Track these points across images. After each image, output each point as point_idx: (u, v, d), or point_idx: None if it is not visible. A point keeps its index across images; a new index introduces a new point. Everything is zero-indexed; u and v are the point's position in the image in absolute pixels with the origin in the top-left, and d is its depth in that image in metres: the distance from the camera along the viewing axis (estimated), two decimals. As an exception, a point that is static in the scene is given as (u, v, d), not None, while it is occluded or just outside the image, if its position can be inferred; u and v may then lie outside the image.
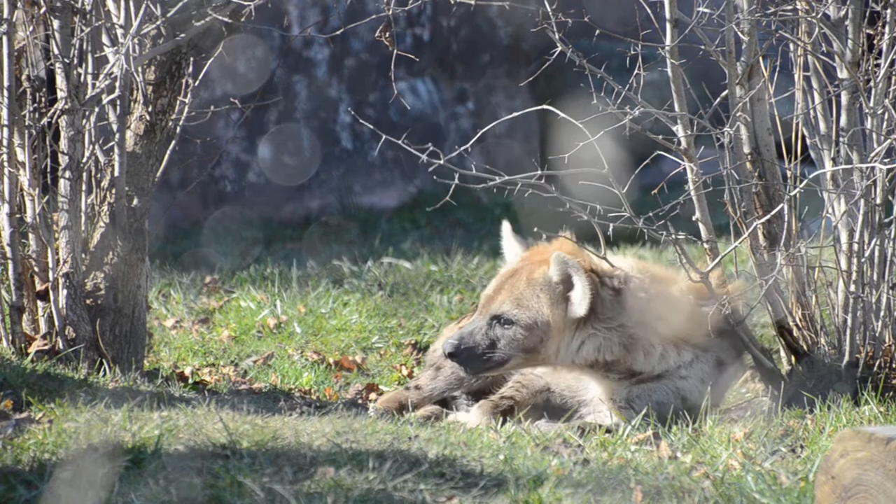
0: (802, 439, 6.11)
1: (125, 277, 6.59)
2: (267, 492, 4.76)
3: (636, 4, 6.48)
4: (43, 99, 6.54)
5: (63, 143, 6.51)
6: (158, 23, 6.43)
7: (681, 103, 6.50)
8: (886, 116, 6.53)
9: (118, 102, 6.50)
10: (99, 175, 6.59)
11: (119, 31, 6.50)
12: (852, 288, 6.57)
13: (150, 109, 6.57)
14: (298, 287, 9.84)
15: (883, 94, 6.52)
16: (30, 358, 6.44)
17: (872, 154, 6.50)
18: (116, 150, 6.52)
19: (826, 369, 6.64)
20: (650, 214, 6.43)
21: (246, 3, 6.46)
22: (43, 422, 5.40)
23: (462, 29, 15.01)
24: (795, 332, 6.70)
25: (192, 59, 6.60)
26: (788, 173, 6.66)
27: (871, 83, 6.53)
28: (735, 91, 6.60)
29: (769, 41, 6.65)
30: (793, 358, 6.73)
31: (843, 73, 6.59)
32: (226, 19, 6.45)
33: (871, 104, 6.52)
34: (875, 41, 6.56)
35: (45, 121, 6.52)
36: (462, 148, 6.48)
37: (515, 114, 7.10)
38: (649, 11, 6.41)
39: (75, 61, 6.46)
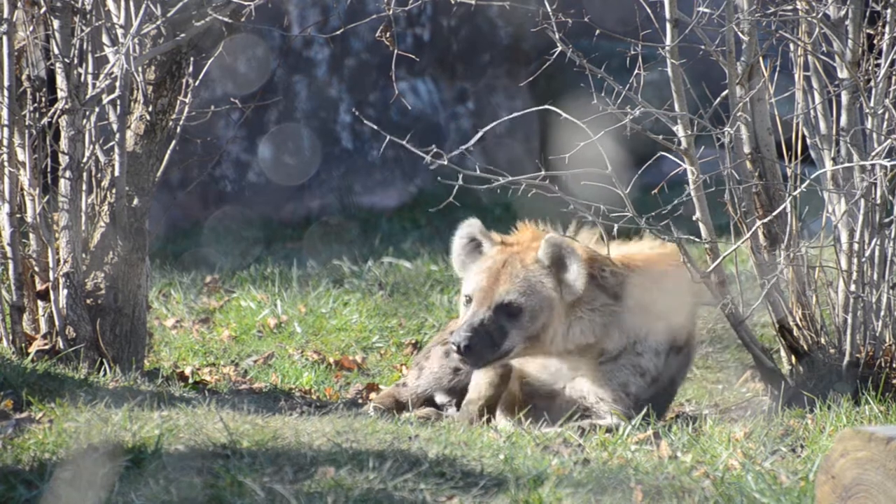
0: (803, 439, 6.11)
1: (125, 277, 6.59)
2: (267, 491, 4.76)
3: (636, 4, 6.48)
4: (43, 99, 6.54)
5: (63, 143, 6.51)
6: (158, 23, 6.43)
7: (681, 103, 6.51)
8: (887, 116, 6.53)
9: (118, 102, 6.50)
10: (99, 175, 6.60)
11: (119, 31, 6.50)
12: (853, 287, 6.57)
13: (150, 109, 6.57)
14: (299, 287, 9.84)
15: (883, 93, 6.52)
16: (30, 357, 6.44)
17: (873, 154, 6.50)
18: (117, 149, 6.52)
19: (826, 369, 6.64)
20: (653, 214, 6.43)
21: (246, 3, 6.46)
22: (43, 421, 5.40)
23: (462, 29, 15.01)
24: (796, 332, 6.70)
25: (192, 58, 6.60)
26: (789, 172, 6.66)
27: (872, 83, 6.53)
28: (735, 91, 6.60)
29: (769, 41, 6.66)
30: (793, 357, 6.73)
31: (843, 73, 6.59)
32: (226, 19, 6.45)
33: (872, 104, 6.52)
34: (875, 41, 6.56)
35: (45, 120, 6.52)
36: (464, 147, 6.47)
37: (516, 114, 7.11)
38: (649, 11, 6.41)
39: (75, 61, 6.46)
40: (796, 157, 6.67)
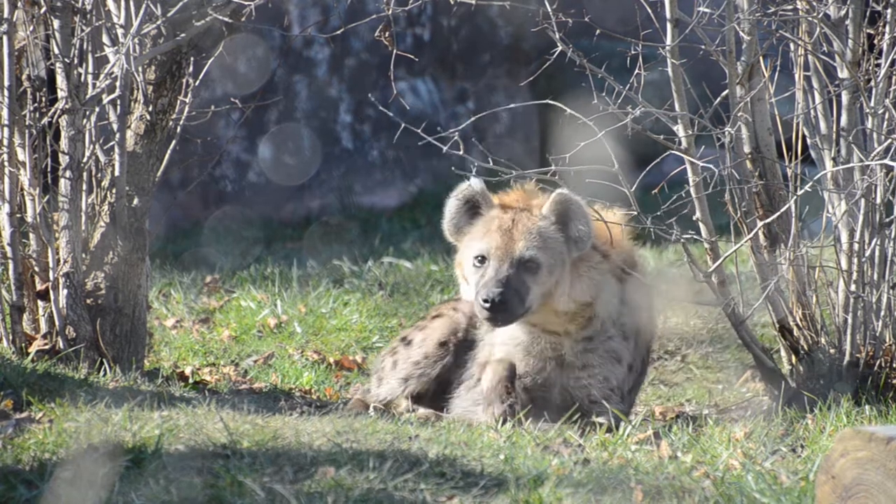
0: (803, 439, 6.11)
1: (125, 277, 6.59)
2: (267, 491, 4.76)
3: (636, 4, 6.48)
4: (43, 99, 6.54)
5: (63, 143, 6.51)
6: (159, 22, 6.43)
7: (681, 103, 6.50)
8: (887, 116, 6.52)
9: (118, 102, 6.50)
10: (99, 175, 6.59)
11: (119, 31, 6.50)
12: (853, 287, 6.57)
13: (150, 109, 6.57)
14: (299, 287, 9.84)
15: (883, 93, 6.52)
16: (30, 357, 6.44)
17: (873, 154, 6.50)
18: (117, 149, 6.52)
19: (826, 369, 6.64)
20: (659, 213, 6.43)
21: (246, 3, 6.46)
22: (43, 421, 5.40)
23: (462, 29, 15.01)
24: (796, 332, 6.70)
25: (192, 58, 6.60)
26: (789, 172, 6.66)
27: (872, 83, 6.53)
28: (735, 91, 6.60)
29: (769, 41, 6.65)
30: (793, 357, 6.73)
31: (843, 73, 6.59)
32: (226, 19, 6.44)
33: (872, 104, 6.52)
34: (875, 41, 6.56)
35: (45, 120, 6.52)
36: (458, 128, 6.47)
37: (513, 105, 7.10)
38: (650, 11, 6.41)
39: (76, 61, 6.46)
40: (796, 157, 6.67)
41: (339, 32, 7.13)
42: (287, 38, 13.84)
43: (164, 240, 12.67)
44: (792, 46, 6.67)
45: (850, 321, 6.59)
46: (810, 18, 6.54)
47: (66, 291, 6.50)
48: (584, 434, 6.15)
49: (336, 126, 14.48)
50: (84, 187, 6.57)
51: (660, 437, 6.03)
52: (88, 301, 6.55)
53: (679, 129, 6.52)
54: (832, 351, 6.65)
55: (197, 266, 10.88)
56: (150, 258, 6.74)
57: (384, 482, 4.89)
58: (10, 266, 6.53)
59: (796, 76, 6.69)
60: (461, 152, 6.42)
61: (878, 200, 6.54)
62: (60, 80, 6.46)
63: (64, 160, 6.48)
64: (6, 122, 6.48)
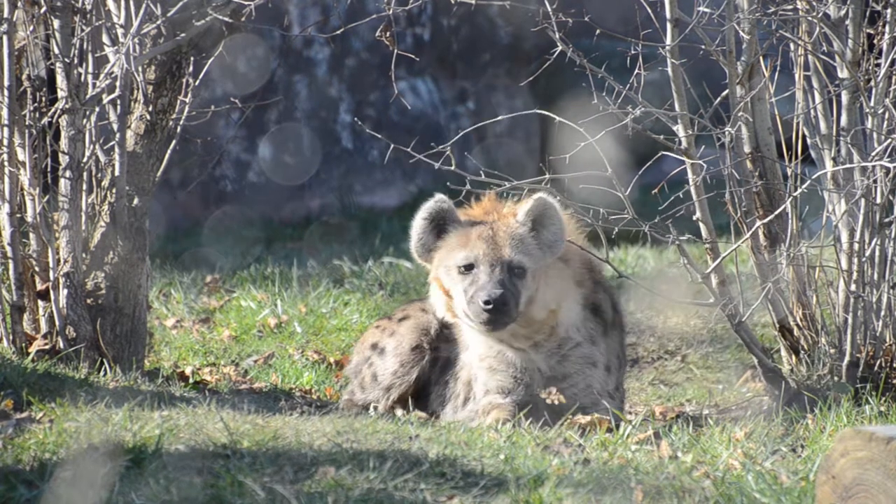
0: (803, 439, 6.11)
1: (126, 277, 6.59)
2: (268, 491, 4.76)
3: (636, 4, 6.48)
4: (43, 98, 6.54)
5: (63, 143, 6.51)
6: (159, 22, 6.43)
7: (681, 103, 6.50)
8: (887, 116, 6.53)
9: (118, 102, 6.50)
10: (99, 174, 6.60)
11: (119, 31, 6.50)
12: (853, 287, 6.57)
13: (150, 109, 6.57)
14: (299, 287, 9.84)
15: (883, 93, 6.52)
16: (30, 357, 6.44)
17: (873, 153, 6.50)
18: (117, 149, 6.52)
19: (827, 369, 6.64)
20: (657, 220, 6.43)
21: (246, 3, 6.46)
22: (44, 421, 5.40)
23: (462, 28, 15.01)
24: (796, 332, 6.70)
25: (192, 58, 6.60)
26: (789, 172, 6.66)
27: (872, 83, 6.53)
28: (735, 90, 6.60)
29: (769, 41, 6.65)
30: (793, 357, 6.73)
31: (843, 73, 6.59)
32: (226, 19, 6.45)
33: (872, 104, 6.52)
34: (875, 41, 6.56)
35: (45, 120, 6.52)
36: (452, 140, 6.46)
37: (513, 114, 7.10)
38: (650, 11, 6.41)
39: (76, 61, 6.46)
40: (796, 157, 6.67)
41: (339, 32, 7.13)
42: (287, 38, 13.84)
43: (164, 240, 12.67)
44: (792, 46, 6.67)
45: (850, 321, 6.59)
46: (810, 18, 6.54)
47: (66, 291, 6.50)
48: (584, 434, 6.15)
49: (336, 126, 14.49)
50: (84, 187, 6.57)
51: (660, 437, 6.03)
52: (89, 301, 6.56)
53: (679, 129, 6.52)
54: (832, 351, 6.65)
55: (197, 266, 10.88)
56: (150, 258, 6.74)
57: (384, 482, 4.89)
58: (11, 266, 6.53)
59: (796, 76, 6.69)
60: (453, 167, 6.40)
61: (878, 200, 6.54)
62: (60, 80, 6.46)
63: (64, 160, 6.48)
64: (6, 122, 6.48)
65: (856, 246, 6.54)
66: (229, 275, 10.44)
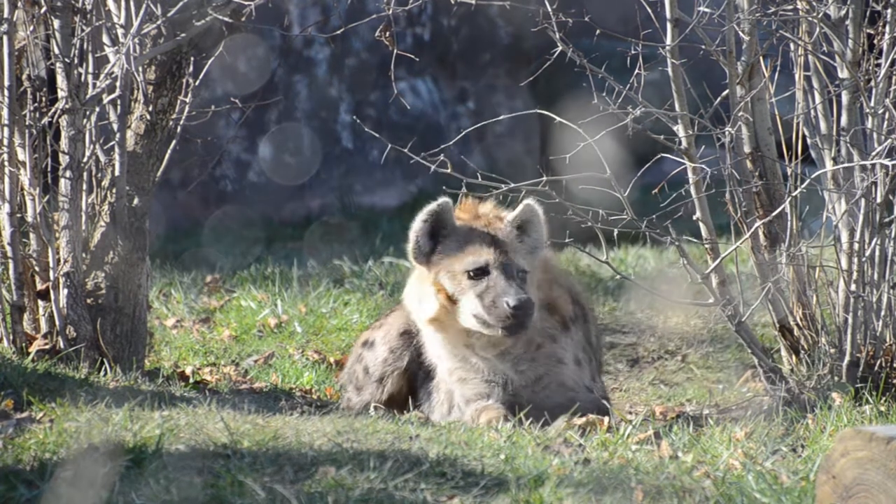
0: (803, 439, 6.11)
1: (126, 277, 6.60)
2: (268, 491, 4.76)
3: (637, 4, 6.48)
4: (43, 98, 6.54)
5: (63, 143, 6.51)
6: (159, 22, 6.43)
7: (681, 103, 6.50)
8: (887, 116, 6.53)
9: (119, 102, 6.50)
10: (99, 174, 6.60)
11: (119, 31, 6.51)
12: (853, 287, 6.57)
13: (150, 109, 6.57)
14: (299, 286, 9.84)
15: (883, 93, 6.52)
16: (31, 357, 6.44)
17: (873, 153, 6.50)
18: (117, 149, 6.52)
19: (827, 369, 6.64)
20: (653, 218, 6.42)
21: (246, 3, 6.46)
22: (44, 421, 5.40)
23: (462, 28, 15.01)
24: (796, 332, 6.70)
25: (192, 58, 6.60)
26: (789, 172, 6.66)
27: (872, 83, 6.53)
28: (736, 91, 6.60)
29: (770, 41, 6.65)
30: (793, 357, 6.73)
31: (843, 73, 6.59)
32: (226, 19, 6.45)
33: (872, 104, 6.52)
34: (876, 41, 6.56)
35: (45, 120, 6.52)
36: (450, 143, 6.47)
37: (513, 114, 7.10)
38: (650, 11, 6.41)
39: (76, 61, 6.46)
40: (796, 157, 6.67)
41: (339, 32, 7.13)
42: (287, 38, 13.85)
43: (165, 239, 12.67)
44: (792, 46, 6.67)
45: (850, 321, 6.59)
46: (810, 18, 6.54)
47: (66, 291, 6.50)
48: (584, 434, 6.15)
49: (336, 126, 14.49)
50: (84, 187, 6.57)
51: (660, 436, 6.04)
52: (89, 301, 6.56)
53: (679, 129, 6.52)
54: (832, 351, 6.65)
55: (197, 266, 10.88)
56: (150, 258, 6.74)
57: (385, 482, 4.89)
58: (11, 266, 6.54)
59: (796, 76, 6.69)
60: (449, 170, 6.39)
61: (878, 200, 6.54)
62: (60, 80, 6.47)
63: (64, 160, 6.49)
64: (6, 122, 6.48)
65: (856, 246, 6.54)
66: (229, 275, 10.44)
